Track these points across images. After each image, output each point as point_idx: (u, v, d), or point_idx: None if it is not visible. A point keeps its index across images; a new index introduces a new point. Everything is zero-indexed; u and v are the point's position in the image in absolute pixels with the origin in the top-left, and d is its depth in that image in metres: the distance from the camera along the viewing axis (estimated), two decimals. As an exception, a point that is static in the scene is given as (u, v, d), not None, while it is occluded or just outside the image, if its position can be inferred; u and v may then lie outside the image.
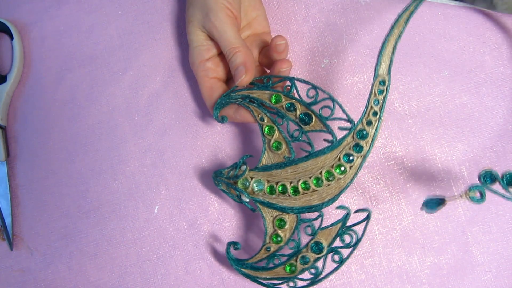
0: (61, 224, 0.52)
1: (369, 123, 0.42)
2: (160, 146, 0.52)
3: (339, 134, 0.42)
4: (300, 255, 0.43)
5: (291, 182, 0.43)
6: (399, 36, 0.41)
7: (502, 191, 0.37)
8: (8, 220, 0.52)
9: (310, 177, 0.42)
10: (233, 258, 0.44)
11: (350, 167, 0.42)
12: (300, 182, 0.42)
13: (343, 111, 0.42)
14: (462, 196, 0.37)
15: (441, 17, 0.50)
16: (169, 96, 0.52)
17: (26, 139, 0.53)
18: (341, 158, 0.42)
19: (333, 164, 0.42)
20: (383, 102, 0.42)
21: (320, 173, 0.42)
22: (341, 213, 0.43)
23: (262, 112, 0.45)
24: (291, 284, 0.43)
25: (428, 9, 0.50)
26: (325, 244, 0.42)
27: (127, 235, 0.51)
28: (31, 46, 0.54)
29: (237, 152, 0.51)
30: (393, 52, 0.41)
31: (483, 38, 0.50)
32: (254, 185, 0.43)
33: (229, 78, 0.49)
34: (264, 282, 0.43)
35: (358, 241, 0.42)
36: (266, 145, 0.45)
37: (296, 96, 0.44)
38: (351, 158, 0.42)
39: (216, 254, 0.50)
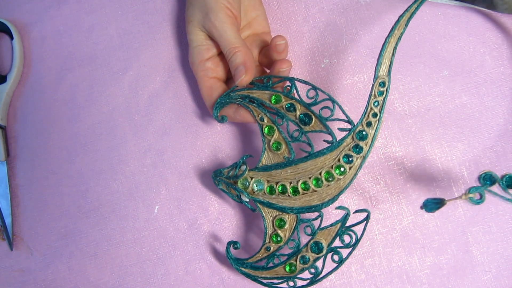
0: (61, 224, 0.52)
1: (369, 124, 0.42)
2: (160, 146, 0.52)
3: (339, 135, 0.42)
4: (300, 255, 0.43)
5: (290, 182, 0.43)
6: (400, 38, 0.41)
7: (501, 193, 0.37)
8: (8, 220, 0.52)
9: (309, 178, 0.42)
10: (233, 258, 0.45)
11: (350, 168, 0.42)
12: (300, 183, 0.43)
13: (343, 112, 0.42)
14: (461, 197, 0.37)
15: (441, 17, 0.50)
16: (169, 96, 0.52)
17: (26, 139, 0.53)
18: (341, 159, 0.42)
19: (332, 165, 0.42)
20: (383, 104, 0.42)
21: (320, 173, 0.42)
22: (340, 213, 0.43)
23: (262, 112, 0.45)
24: (291, 283, 0.43)
25: (428, 9, 0.50)
26: (324, 244, 0.42)
27: (127, 235, 0.51)
28: (31, 46, 0.54)
29: (237, 152, 0.51)
30: (393, 54, 0.41)
31: (483, 38, 0.50)
32: (254, 185, 0.43)
33: (228, 78, 0.49)
34: (264, 281, 0.44)
35: (358, 241, 0.42)
36: (266, 145, 0.45)
37: (296, 96, 0.44)
38: (350, 159, 0.42)
39: (216, 254, 0.50)
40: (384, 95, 0.41)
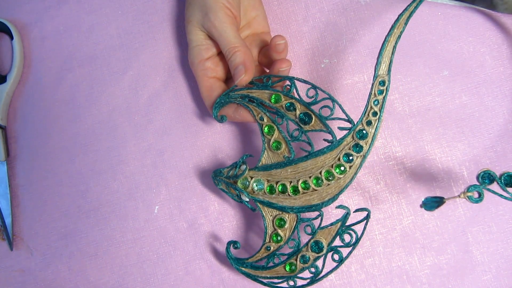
0: (61, 224, 0.52)
1: (369, 123, 0.42)
2: (160, 146, 0.52)
3: (339, 134, 0.43)
4: (300, 254, 0.43)
5: (291, 182, 0.43)
6: (399, 37, 0.41)
7: (500, 191, 0.37)
8: (8, 220, 0.52)
9: (310, 177, 0.42)
10: (233, 258, 0.44)
11: (350, 167, 0.42)
12: (300, 182, 0.42)
13: (343, 111, 0.42)
14: (460, 196, 0.37)
15: (441, 17, 0.50)
16: (169, 96, 0.52)
17: (26, 139, 0.53)
18: (341, 158, 0.42)
19: (332, 164, 0.42)
20: (383, 102, 0.42)
21: (320, 172, 0.42)
22: (340, 213, 0.43)
23: (262, 111, 0.45)
24: (291, 283, 0.43)
25: (428, 9, 0.50)
26: (324, 243, 0.42)
27: (127, 235, 0.51)
28: (31, 46, 0.54)
29: (237, 152, 0.51)
30: (393, 53, 0.41)
31: (483, 38, 0.50)
32: (254, 184, 0.43)
33: (228, 78, 0.49)
34: (264, 281, 0.44)
35: (358, 240, 0.42)
36: (266, 144, 0.45)
37: (296, 95, 0.44)
38: (350, 158, 0.42)
39: (216, 254, 0.50)
40: (384, 94, 0.41)
